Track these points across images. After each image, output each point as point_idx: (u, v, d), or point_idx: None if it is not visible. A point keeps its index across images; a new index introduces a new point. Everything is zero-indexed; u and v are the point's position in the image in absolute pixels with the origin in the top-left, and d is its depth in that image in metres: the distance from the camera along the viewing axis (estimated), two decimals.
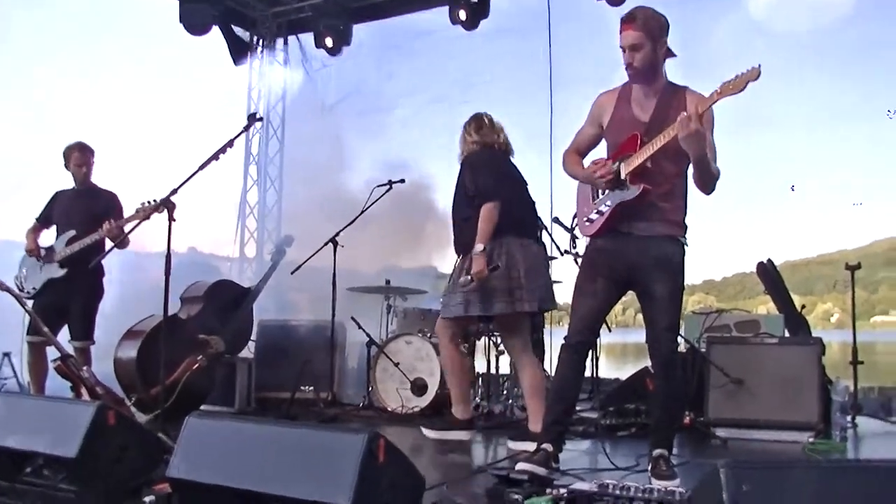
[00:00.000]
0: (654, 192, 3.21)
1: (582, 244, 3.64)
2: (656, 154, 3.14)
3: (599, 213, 3.33)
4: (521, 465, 3.14)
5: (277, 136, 9.97)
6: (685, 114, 2.96)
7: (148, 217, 4.38)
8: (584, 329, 3.33)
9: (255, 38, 9.72)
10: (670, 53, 3.22)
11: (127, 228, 4.77)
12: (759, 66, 2.83)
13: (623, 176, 3.22)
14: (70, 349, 4.78)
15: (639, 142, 3.18)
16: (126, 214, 4.93)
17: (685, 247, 3.34)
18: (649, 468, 3.29)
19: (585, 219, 3.42)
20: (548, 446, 3.26)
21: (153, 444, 3.05)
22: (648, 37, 3.12)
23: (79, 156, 5.18)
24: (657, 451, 3.27)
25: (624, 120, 3.30)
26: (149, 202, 4.52)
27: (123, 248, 4.98)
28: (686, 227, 3.37)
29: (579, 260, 5.96)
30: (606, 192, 3.31)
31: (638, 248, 3.24)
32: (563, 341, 3.36)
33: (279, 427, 2.57)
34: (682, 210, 3.34)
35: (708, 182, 3.19)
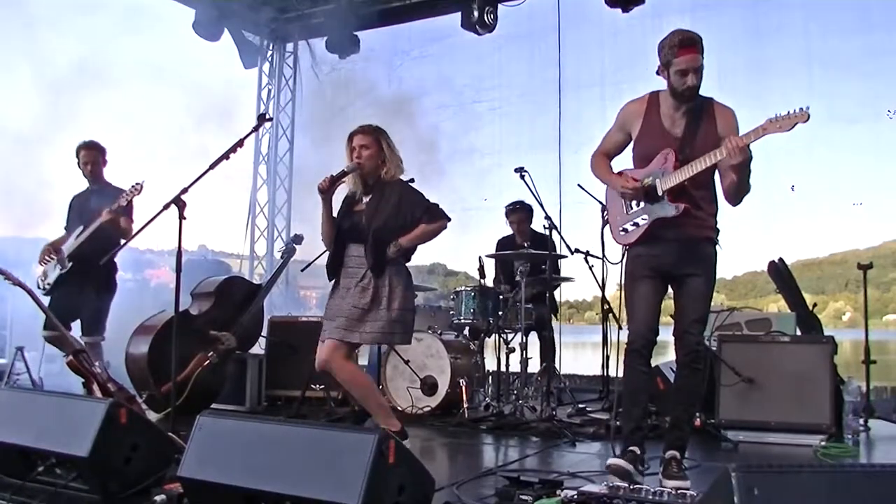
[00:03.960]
0: (689, 201, 3.30)
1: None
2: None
3: (635, 224, 3.41)
4: (611, 461, 3.25)
5: (287, 136, 10.05)
6: (736, 142, 3.06)
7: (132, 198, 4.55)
8: (645, 331, 3.39)
9: (265, 43, 9.78)
10: None
11: (138, 225, 4.81)
12: (808, 108, 2.93)
13: (660, 192, 3.30)
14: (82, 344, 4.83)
15: (675, 160, 3.27)
16: (136, 214, 5.01)
17: (718, 248, 3.45)
18: (661, 470, 3.30)
19: (620, 228, 3.51)
20: (635, 449, 3.34)
21: (164, 442, 3.06)
22: (703, 58, 3.25)
23: (85, 153, 5.28)
24: (670, 453, 3.32)
25: (655, 132, 3.38)
26: (138, 184, 4.83)
27: (127, 239, 5.00)
28: (718, 230, 3.45)
29: (589, 259, 6.04)
30: (642, 204, 3.39)
31: (675, 248, 3.35)
32: (627, 346, 3.44)
33: (289, 427, 2.58)
34: (714, 214, 3.43)
35: (740, 197, 3.31)
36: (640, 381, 3.43)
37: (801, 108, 2.94)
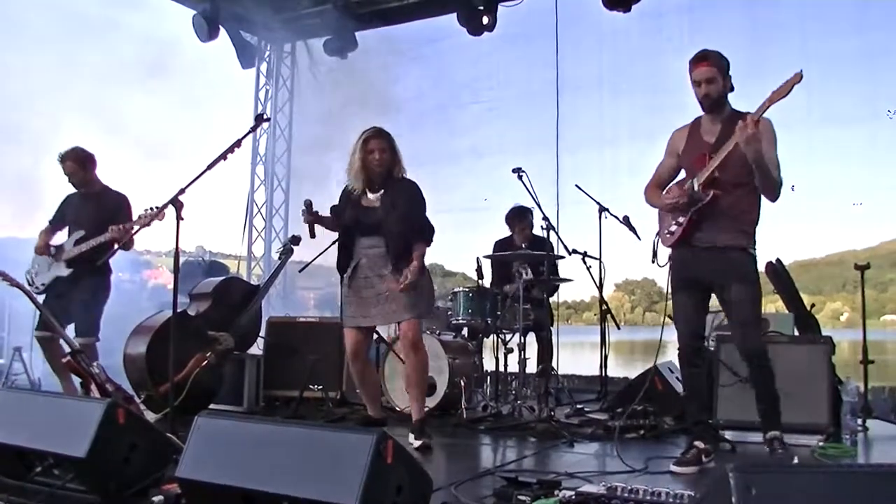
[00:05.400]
0: (724, 199, 3.61)
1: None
2: (723, 165, 3.55)
3: (678, 223, 3.73)
4: (674, 468, 3.57)
5: (285, 136, 10.05)
6: (741, 122, 3.37)
7: (150, 222, 4.53)
8: (689, 338, 3.77)
9: (262, 43, 9.78)
10: (731, 87, 3.71)
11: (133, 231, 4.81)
12: (801, 70, 3.26)
13: (696, 188, 3.64)
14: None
15: (707, 158, 3.64)
16: (135, 215, 4.98)
17: (754, 256, 3.72)
18: (767, 449, 3.65)
19: (667, 232, 3.81)
20: (699, 443, 3.67)
21: (163, 443, 3.05)
22: (719, 72, 3.63)
23: (65, 166, 5.19)
24: (770, 434, 3.67)
25: (695, 145, 3.76)
26: (151, 209, 4.68)
27: (128, 250, 5.02)
28: (755, 238, 3.72)
29: (587, 259, 6.05)
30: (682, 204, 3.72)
31: (711, 258, 3.65)
32: (678, 351, 3.83)
33: (287, 427, 2.57)
34: (751, 220, 3.70)
35: (769, 187, 3.56)
36: (695, 381, 3.83)
37: (796, 73, 3.28)
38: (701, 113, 3.78)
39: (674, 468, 3.57)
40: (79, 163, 5.20)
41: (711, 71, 3.61)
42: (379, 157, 4.35)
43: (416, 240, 4.36)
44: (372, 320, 4.42)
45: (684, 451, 3.72)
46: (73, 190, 5.32)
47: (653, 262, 3.90)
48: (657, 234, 3.90)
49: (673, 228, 3.75)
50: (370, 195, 4.43)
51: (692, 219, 3.65)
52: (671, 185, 3.87)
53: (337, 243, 4.59)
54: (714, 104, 3.65)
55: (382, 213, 4.34)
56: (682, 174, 3.87)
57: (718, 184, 3.58)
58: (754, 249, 3.71)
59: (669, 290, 3.84)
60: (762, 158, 3.44)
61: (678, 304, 3.78)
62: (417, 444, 4.19)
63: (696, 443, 3.68)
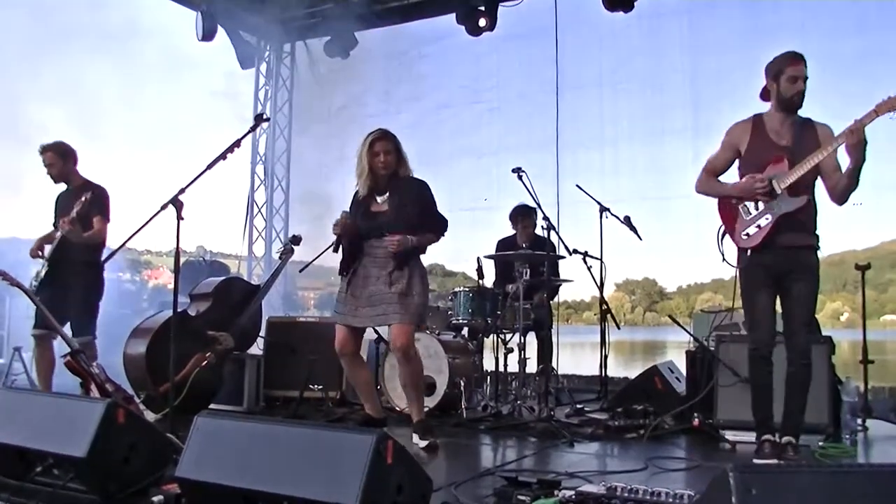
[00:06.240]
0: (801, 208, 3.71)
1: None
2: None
3: (759, 226, 3.78)
4: (757, 461, 3.70)
5: (284, 136, 10.04)
6: (852, 126, 3.50)
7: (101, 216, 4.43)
8: (768, 339, 3.84)
9: (262, 43, 9.78)
10: None
11: (134, 228, 4.81)
12: None
13: (779, 191, 3.70)
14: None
15: (787, 162, 3.69)
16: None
17: (819, 253, 3.85)
18: (778, 453, 3.71)
19: (743, 233, 3.84)
20: (769, 436, 3.82)
21: (162, 443, 3.05)
22: (807, 74, 3.72)
23: (43, 157, 5.18)
24: (786, 439, 3.75)
25: (765, 145, 3.81)
26: (83, 201, 4.80)
27: (83, 242, 5.00)
28: (818, 236, 3.84)
29: (587, 259, 6.05)
30: (761, 207, 3.77)
31: (787, 258, 3.75)
32: (752, 351, 3.89)
33: (287, 427, 2.57)
34: (816, 220, 3.84)
35: (850, 192, 3.69)
36: (767, 380, 3.85)
37: None
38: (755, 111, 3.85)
39: (756, 461, 3.70)
40: (59, 154, 5.18)
41: (806, 71, 3.70)
42: (384, 159, 4.31)
43: (427, 232, 4.36)
44: (360, 321, 4.34)
45: (759, 444, 3.84)
46: (51, 184, 5.29)
47: (723, 261, 3.94)
48: (724, 233, 3.93)
49: (752, 231, 3.79)
50: (378, 199, 4.40)
51: (778, 222, 3.71)
52: (750, 176, 3.81)
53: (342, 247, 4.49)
54: (799, 105, 3.73)
55: (391, 214, 4.32)
56: (733, 168, 3.93)
57: (798, 187, 3.67)
58: (819, 246, 3.84)
59: (740, 290, 3.92)
60: (862, 164, 3.54)
61: (758, 305, 3.83)
62: (424, 443, 4.20)
63: (767, 436, 3.82)
